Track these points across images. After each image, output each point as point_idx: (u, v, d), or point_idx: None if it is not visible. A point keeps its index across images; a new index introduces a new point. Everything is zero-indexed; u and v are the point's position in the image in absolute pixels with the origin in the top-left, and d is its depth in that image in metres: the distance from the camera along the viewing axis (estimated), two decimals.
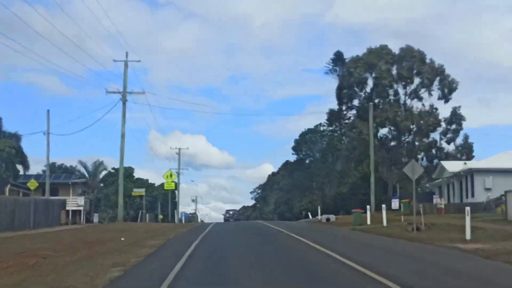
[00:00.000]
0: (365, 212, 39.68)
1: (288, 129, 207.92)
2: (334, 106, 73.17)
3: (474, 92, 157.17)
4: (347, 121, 75.21)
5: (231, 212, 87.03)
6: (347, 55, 78.17)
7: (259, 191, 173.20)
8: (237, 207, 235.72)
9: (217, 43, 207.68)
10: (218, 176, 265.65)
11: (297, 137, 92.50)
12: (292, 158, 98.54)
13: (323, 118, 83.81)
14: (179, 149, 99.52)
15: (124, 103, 47.60)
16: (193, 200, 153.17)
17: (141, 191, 71.51)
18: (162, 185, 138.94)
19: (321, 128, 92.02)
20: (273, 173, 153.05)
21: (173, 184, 41.13)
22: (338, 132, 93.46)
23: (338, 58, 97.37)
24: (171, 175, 41.46)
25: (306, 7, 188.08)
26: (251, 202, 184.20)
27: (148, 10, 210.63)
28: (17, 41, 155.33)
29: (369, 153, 49.91)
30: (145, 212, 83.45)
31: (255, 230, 36.24)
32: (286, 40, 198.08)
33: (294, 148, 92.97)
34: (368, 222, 37.26)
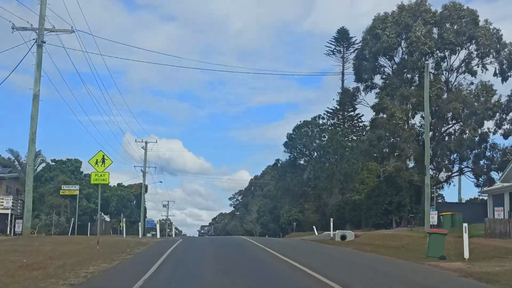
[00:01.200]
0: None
1: (266, 136, 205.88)
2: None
3: None
4: (362, 106, 57.79)
5: (206, 229, 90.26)
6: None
7: (239, 197, 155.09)
8: (214, 214, 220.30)
9: (193, 46, 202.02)
10: (194, 182, 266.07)
11: (291, 131, 74.97)
12: (281, 157, 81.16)
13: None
14: (146, 142, 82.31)
15: (40, 46, 29.95)
16: (164, 205, 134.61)
17: (74, 189, 53.23)
18: (131, 186, 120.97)
19: (320, 121, 74.67)
20: (255, 177, 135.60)
21: (106, 176, 22.43)
22: (341, 125, 76.09)
23: (342, 36, 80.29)
24: (103, 161, 22.95)
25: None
26: (229, 209, 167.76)
27: (125, 10, 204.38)
28: None
29: (424, 139, 32.51)
30: (101, 219, 65.34)
31: (245, 261, 18.97)
32: (264, 46, 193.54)
33: (286, 145, 75.29)
34: (466, 254, 19.60)
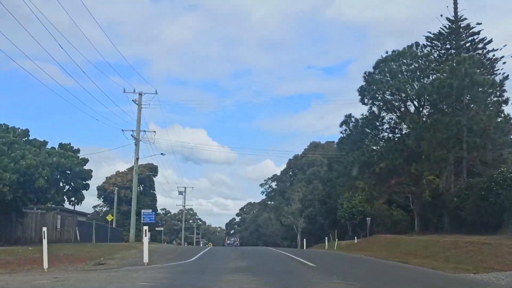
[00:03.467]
0: None
1: (292, 126, 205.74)
2: None
3: None
4: None
5: (232, 239, 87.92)
6: None
7: (273, 183, 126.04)
8: (241, 203, 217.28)
9: (217, 36, 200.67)
10: (219, 171, 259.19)
11: (371, 70, 45.26)
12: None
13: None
14: (140, 94, 54.34)
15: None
16: (180, 193, 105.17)
17: None
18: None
19: (419, 51, 44.73)
20: (295, 157, 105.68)
21: None
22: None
23: None
24: None
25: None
26: (258, 197, 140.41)
27: (148, 2, 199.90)
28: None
29: None
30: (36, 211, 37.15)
31: None
32: (289, 36, 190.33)
33: (362, 91, 45.65)
34: None
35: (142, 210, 57.84)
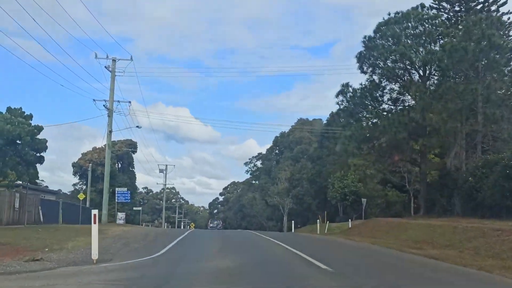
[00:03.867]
0: None
1: (275, 106, 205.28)
2: None
3: None
4: None
5: (215, 223, 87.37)
6: None
7: (257, 162, 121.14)
8: (224, 183, 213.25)
9: (201, 14, 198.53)
10: (202, 150, 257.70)
11: (371, 34, 40.35)
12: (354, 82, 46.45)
13: None
14: (114, 60, 49.10)
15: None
16: (161, 171, 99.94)
17: None
18: (114, 144, 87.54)
19: (423, 13, 39.82)
20: (281, 134, 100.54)
21: None
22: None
23: None
24: None
25: None
26: (242, 177, 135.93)
27: None
28: None
29: None
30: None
31: None
32: (273, 15, 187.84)
33: (360, 59, 40.70)
34: None
35: (117, 189, 52.85)
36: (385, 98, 40.37)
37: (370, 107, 40.26)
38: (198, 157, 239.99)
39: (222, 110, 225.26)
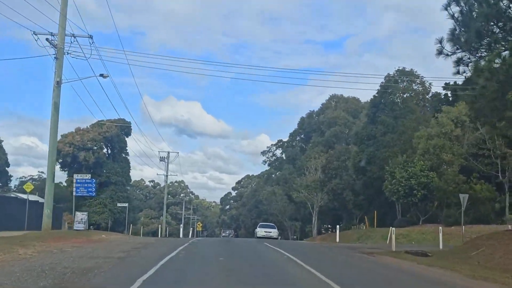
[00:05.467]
0: None
1: (289, 101, 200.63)
2: None
3: None
4: None
5: (227, 232, 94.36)
6: None
7: (277, 151, 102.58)
8: (236, 177, 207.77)
9: (215, 8, 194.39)
10: (214, 145, 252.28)
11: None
12: None
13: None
14: None
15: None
16: (162, 159, 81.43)
17: None
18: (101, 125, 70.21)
19: None
20: (309, 115, 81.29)
21: None
22: None
23: None
24: None
25: None
26: (257, 169, 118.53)
27: None
28: None
29: None
30: None
31: None
32: (286, 8, 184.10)
33: None
34: None
35: (75, 176, 35.01)
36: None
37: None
38: (210, 152, 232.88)
39: (235, 105, 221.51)
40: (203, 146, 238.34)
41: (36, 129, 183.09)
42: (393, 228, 28.86)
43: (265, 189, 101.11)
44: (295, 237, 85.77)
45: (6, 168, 71.43)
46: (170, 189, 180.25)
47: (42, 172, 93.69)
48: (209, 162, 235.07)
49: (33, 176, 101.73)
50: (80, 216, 33.19)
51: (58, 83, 29.28)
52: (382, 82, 48.28)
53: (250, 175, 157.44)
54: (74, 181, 34.06)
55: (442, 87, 50.35)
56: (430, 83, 48.60)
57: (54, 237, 22.89)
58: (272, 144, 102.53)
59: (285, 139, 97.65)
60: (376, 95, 48.95)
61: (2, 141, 70.50)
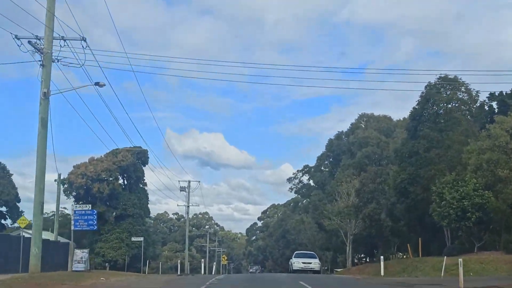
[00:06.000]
0: None
1: (311, 130, 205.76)
2: None
3: None
4: None
5: (254, 268, 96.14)
6: None
7: (303, 176, 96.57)
8: (261, 208, 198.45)
9: (233, 41, 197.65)
10: (237, 176, 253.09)
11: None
12: None
13: None
14: None
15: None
16: (182, 189, 76.72)
17: None
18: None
19: None
20: (338, 136, 75.06)
21: None
22: None
23: None
24: None
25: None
26: (284, 198, 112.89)
27: (163, 5, 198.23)
28: None
29: None
30: None
31: None
32: (304, 38, 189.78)
33: None
34: None
35: (72, 206, 30.02)
36: None
37: None
38: (234, 183, 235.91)
39: (257, 135, 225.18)
40: (226, 177, 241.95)
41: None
42: (461, 260, 23.21)
43: (293, 218, 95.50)
44: (325, 267, 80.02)
45: (17, 204, 66.90)
46: (195, 221, 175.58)
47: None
48: (234, 193, 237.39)
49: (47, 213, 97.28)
50: (80, 254, 28.12)
51: (45, 95, 24.49)
52: (422, 92, 42.92)
53: (276, 204, 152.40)
54: (72, 213, 29.14)
55: (487, 97, 44.97)
56: (477, 91, 43.02)
57: (30, 284, 17.77)
58: (298, 170, 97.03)
59: (312, 164, 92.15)
60: (417, 107, 43.53)
61: (12, 174, 66.14)
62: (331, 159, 78.18)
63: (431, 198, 38.58)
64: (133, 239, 55.97)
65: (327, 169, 79.81)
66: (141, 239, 51.93)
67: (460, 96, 42.82)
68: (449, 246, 40.31)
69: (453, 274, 33.47)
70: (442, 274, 32.68)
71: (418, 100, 42.95)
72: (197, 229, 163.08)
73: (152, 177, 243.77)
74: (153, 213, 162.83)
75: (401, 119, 69.13)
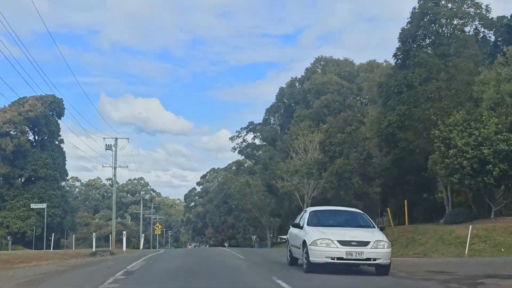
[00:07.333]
0: None
1: (248, 96, 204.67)
2: None
3: None
4: None
5: (193, 245, 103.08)
6: None
7: (247, 134, 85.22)
8: (200, 173, 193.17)
9: (170, 4, 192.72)
10: (175, 142, 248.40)
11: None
12: None
13: None
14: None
15: None
16: (108, 147, 63.51)
17: None
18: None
19: None
20: (291, 83, 63.73)
21: None
22: None
23: None
24: None
25: None
26: (224, 162, 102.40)
27: None
28: None
29: None
30: None
31: None
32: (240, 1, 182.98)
33: None
34: None
35: None
36: None
37: None
38: (171, 149, 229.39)
39: (194, 101, 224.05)
40: (163, 144, 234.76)
41: None
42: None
43: (236, 181, 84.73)
44: (271, 235, 70.64)
45: None
46: (129, 187, 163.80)
47: None
48: (171, 159, 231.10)
49: None
50: None
51: None
52: (414, 8, 32.41)
53: (216, 168, 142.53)
54: None
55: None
56: (487, 5, 32.73)
57: None
58: (242, 128, 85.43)
59: (258, 121, 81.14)
60: (408, 25, 32.85)
61: None
62: (282, 111, 67.34)
63: (431, 146, 28.44)
64: (33, 205, 44.16)
65: (278, 123, 69.08)
66: (44, 205, 40.32)
67: (467, 10, 32.56)
68: (451, 211, 30.43)
69: (477, 249, 23.65)
70: (466, 251, 22.67)
71: (409, 18, 32.37)
72: (131, 195, 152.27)
73: (75, 139, 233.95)
74: (85, 179, 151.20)
75: (365, 62, 59.06)
